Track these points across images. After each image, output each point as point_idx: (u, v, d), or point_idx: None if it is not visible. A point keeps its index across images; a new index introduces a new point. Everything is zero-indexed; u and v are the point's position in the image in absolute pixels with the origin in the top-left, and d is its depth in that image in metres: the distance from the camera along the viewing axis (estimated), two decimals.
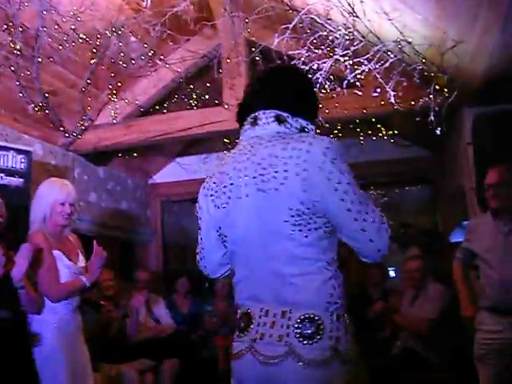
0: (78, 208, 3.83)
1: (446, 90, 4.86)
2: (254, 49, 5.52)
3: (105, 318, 5.64)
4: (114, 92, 6.02)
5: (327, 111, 5.35)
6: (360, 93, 5.02)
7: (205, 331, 7.06)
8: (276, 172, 2.00)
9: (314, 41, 4.74)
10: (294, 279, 1.97)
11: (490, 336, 3.88)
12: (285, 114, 2.14)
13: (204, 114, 6.04)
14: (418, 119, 4.99)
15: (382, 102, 5.17)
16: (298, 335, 1.92)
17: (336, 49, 4.59)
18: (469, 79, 4.64)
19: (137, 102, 6.18)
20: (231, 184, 2.12)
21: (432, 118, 4.68)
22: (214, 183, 2.20)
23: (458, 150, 5.77)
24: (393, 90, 4.64)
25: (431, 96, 4.76)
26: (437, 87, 4.83)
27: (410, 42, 4.56)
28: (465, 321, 4.19)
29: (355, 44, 4.55)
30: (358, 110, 5.49)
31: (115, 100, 6.12)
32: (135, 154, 7.40)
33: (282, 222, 1.98)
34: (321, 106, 5.16)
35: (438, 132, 4.74)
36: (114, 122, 6.19)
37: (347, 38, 4.56)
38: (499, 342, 3.82)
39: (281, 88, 2.22)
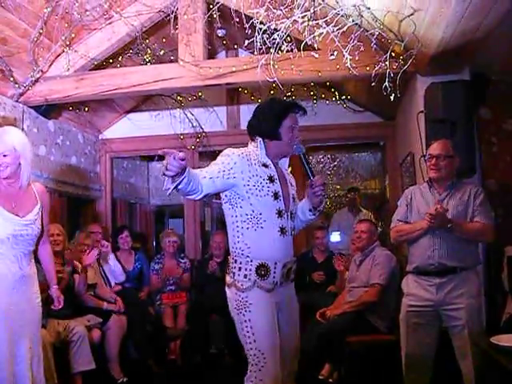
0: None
1: (401, 57, 4.90)
2: (211, 6, 5.46)
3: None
4: (67, 43, 5.88)
5: (282, 72, 5.34)
6: (316, 55, 5.00)
7: (151, 289, 7.09)
8: None
9: (274, 0, 4.72)
10: None
11: (413, 302, 4.09)
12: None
13: (158, 69, 5.96)
14: (372, 85, 5.01)
15: (338, 66, 5.20)
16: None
17: (295, 10, 4.56)
18: (424, 48, 4.67)
19: (90, 55, 6.05)
20: None
21: (386, 84, 4.70)
22: None
23: (410, 117, 5.84)
24: (349, 55, 4.65)
25: (387, 62, 4.79)
26: (393, 54, 4.86)
27: (368, 8, 4.57)
28: None
29: (314, 6, 4.53)
30: (313, 73, 5.50)
31: (68, 52, 5.98)
32: (86, 108, 7.29)
33: None
34: (276, 66, 5.16)
35: (391, 99, 4.77)
36: (66, 74, 6.07)
37: None
38: (421, 304, 4.04)
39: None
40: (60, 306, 4.17)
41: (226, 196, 3.40)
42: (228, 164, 3.27)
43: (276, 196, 3.36)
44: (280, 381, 3.25)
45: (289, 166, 3.66)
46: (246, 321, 3.28)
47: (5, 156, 3.61)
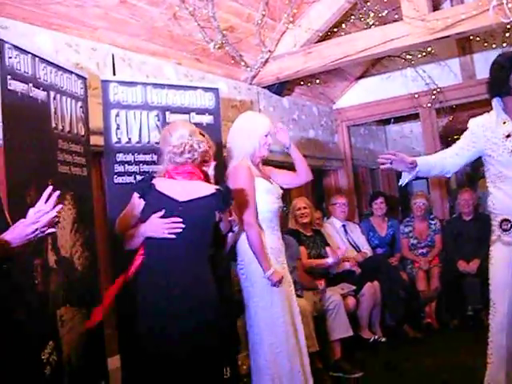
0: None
1: None
2: None
3: (305, 245, 5.78)
4: (290, 20, 5.97)
5: None
6: None
7: (402, 253, 7.04)
8: None
9: None
10: None
11: None
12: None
13: (383, 31, 5.82)
14: None
15: None
16: None
17: None
18: None
19: (314, 28, 6.09)
20: None
21: None
22: None
23: None
24: None
25: None
26: None
27: None
28: None
29: None
30: None
31: (292, 28, 6.07)
32: (317, 81, 7.34)
33: None
34: (510, 5, 4.78)
35: None
36: (294, 50, 6.17)
37: None
38: None
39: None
40: None
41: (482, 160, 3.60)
42: (467, 137, 3.56)
43: None
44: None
45: None
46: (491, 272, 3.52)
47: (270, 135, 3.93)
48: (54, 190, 2.36)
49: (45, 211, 2.31)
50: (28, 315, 2.74)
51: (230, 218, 3.35)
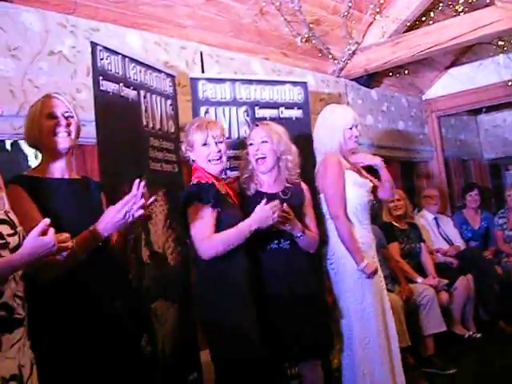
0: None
1: None
2: None
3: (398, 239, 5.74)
4: (377, 10, 5.90)
5: None
6: None
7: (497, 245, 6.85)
8: None
9: None
10: None
11: None
12: None
13: (474, 17, 5.65)
14: None
15: None
16: None
17: None
18: None
19: (401, 17, 5.99)
20: None
21: None
22: None
23: None
24: None
25: None
26: None
27: None
28: None
29: None
30: None
31: (379, 19, 5.99)
32: (406, 71, 7.22)
33: None
34: None
35: None
36: (381, 41, 6.09)
37: None
38: None
39: None
40: None
41: None
42: None
43: None
44: None
45: None
46: None
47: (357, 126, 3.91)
48: (144, 186, 2.41)
49: (133, 198, 2.37)
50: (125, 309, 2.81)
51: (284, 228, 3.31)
